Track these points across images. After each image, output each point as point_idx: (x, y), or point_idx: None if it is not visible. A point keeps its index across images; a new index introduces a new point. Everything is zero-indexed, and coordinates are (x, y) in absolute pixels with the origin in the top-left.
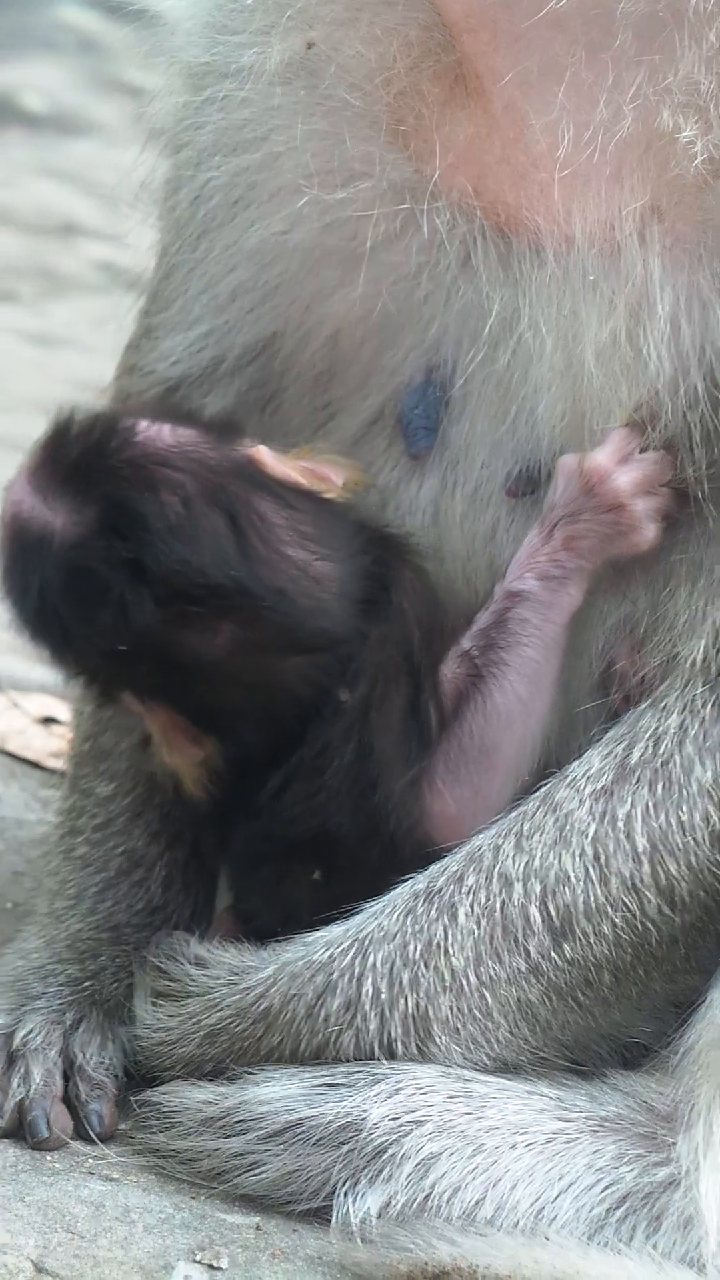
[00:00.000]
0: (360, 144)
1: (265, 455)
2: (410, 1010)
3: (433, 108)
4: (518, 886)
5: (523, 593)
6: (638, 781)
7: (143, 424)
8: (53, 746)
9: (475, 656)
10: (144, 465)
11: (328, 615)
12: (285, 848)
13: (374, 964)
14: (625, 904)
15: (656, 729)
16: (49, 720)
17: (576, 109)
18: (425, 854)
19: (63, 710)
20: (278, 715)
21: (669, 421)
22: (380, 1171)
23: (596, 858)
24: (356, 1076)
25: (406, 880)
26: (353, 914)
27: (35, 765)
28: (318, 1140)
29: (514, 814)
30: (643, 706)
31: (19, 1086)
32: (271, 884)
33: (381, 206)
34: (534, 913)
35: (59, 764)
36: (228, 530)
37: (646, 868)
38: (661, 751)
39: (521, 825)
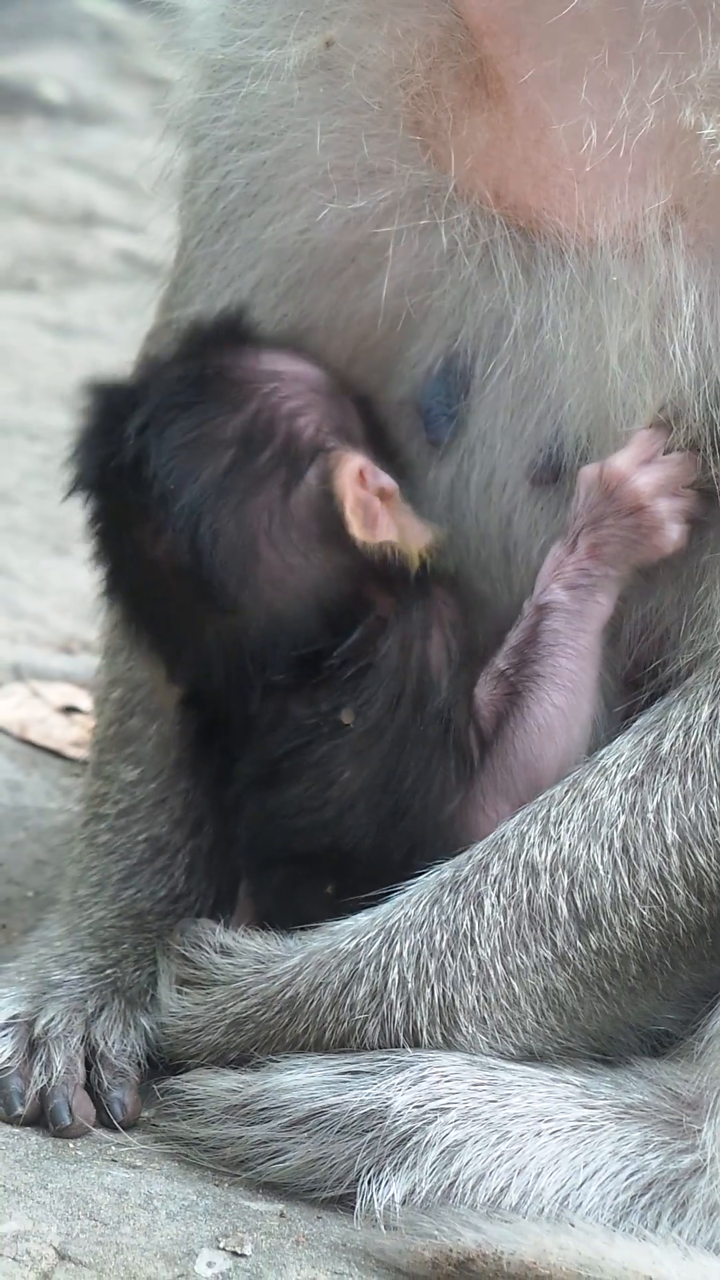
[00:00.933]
0: (379, 144)
1: (346, 471)
2: (436, 999)
3: (452, 110)
4: (545, 877)
5: (551, 604)
6: (668, 772)
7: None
8: (74, 735)
9: (510, 674)
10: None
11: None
12: (296, 857)
13: (400, 953)
14: (653, 895)
15: (687, 719)
16: (70, 709)
17: (599, 108)
18: None
19: (84, 699)
20: (237, 694)
21: (693, 422)
22: (405, 1159)
23: (625, 849)
24: (380, 1064)
25: (432, 870)
26: (379, 903)
27: (56, 754)
28: (342, 1128)
29: (541, 799)
30: (673, 697)
31: (41, 1074)
32: (284, 890)
33: (401, 207)
34: (561, 904)
35: (80, 753)
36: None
37: (675, 860)
38: (692, 742)
39: (549, 810)
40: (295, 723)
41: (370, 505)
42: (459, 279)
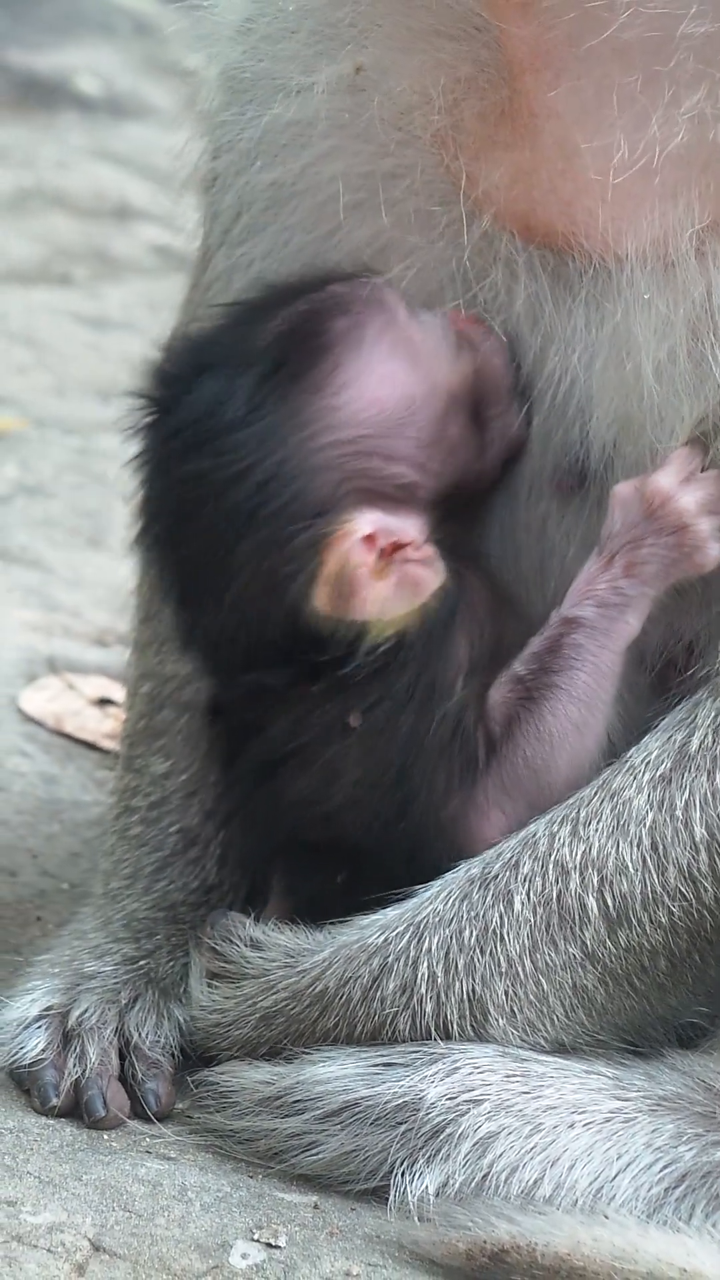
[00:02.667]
0: (406, 172)
1: (340, 544)
2: (466, 994)
3: (477, 147)
4: (574, 875)
5: (579, 619)
6: (697, 769)
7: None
8: (108, 728)
9: (528, 680)
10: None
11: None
12: (303, 847)
13: (430, 948)
14: (682, 893)
15: (716, 718)
16: (105, 701)
17: (629, 127)
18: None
19: (119, 692)
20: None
21: None
22: (438, 1151)
23: (654, 847)
24: (414, 1056)
25: (461, 866)
26: (407, 898)
27: (91, 746)
28: (375, 1120)
29: (570, 800)
30: (702, 695)
31: (75, 1065)
32: (300, 875)
33: (425, 234)
34: (591, 902)
35: (115, 745)
36: None
37: (704, 857)
38: None
39: (578, 812)
40: (301, 721)
41: (353, 578)
42: (486, 297)
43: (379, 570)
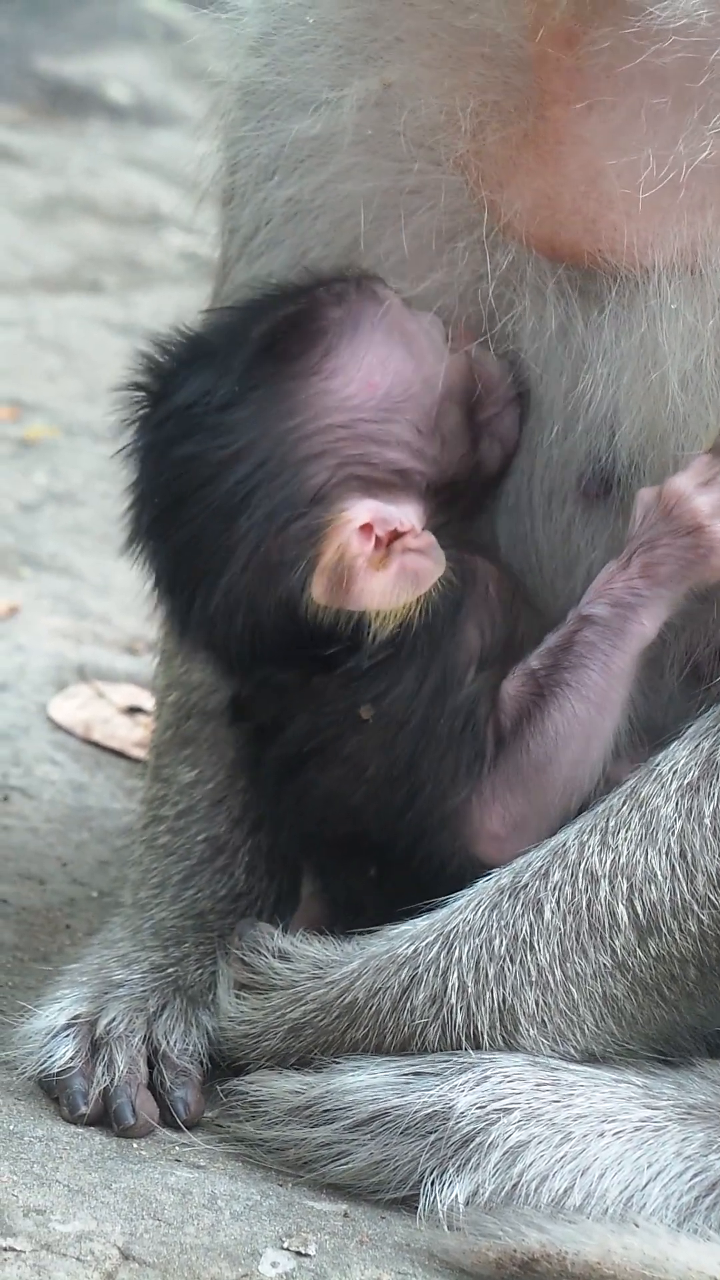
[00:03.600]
0: (428, 191)
1: (337, 534)
2: (496, 1004)
3: (499, 171)
4: (604, 884)
5: (592, 617)
6: None
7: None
8: (138, 736)
9: (540, 675)
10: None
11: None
12: (333, 842)
13: (459, 958)
14: (712, 901)
15: None
16: (134, 710)
17: (656, 144)
18: (475, 872)
19: (148, 700)
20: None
21: None
22: (468, 1160)
23: (683, 854)
24: (443, 1065)
25: (490, 875)
26: (436, 908)
27: (121, 755)
28: (405, 1129)
29: (600, 808)
30: None
31: (103, 1074)
32: (333, 870)
33: (451, 253)
34: (620, 910)
35: (144, 753)
36: None
37: None
38: None
39: (607, 821)
40: (317, 717)
41: (351, 568)
42: (511, 311)
43: (378, 561)
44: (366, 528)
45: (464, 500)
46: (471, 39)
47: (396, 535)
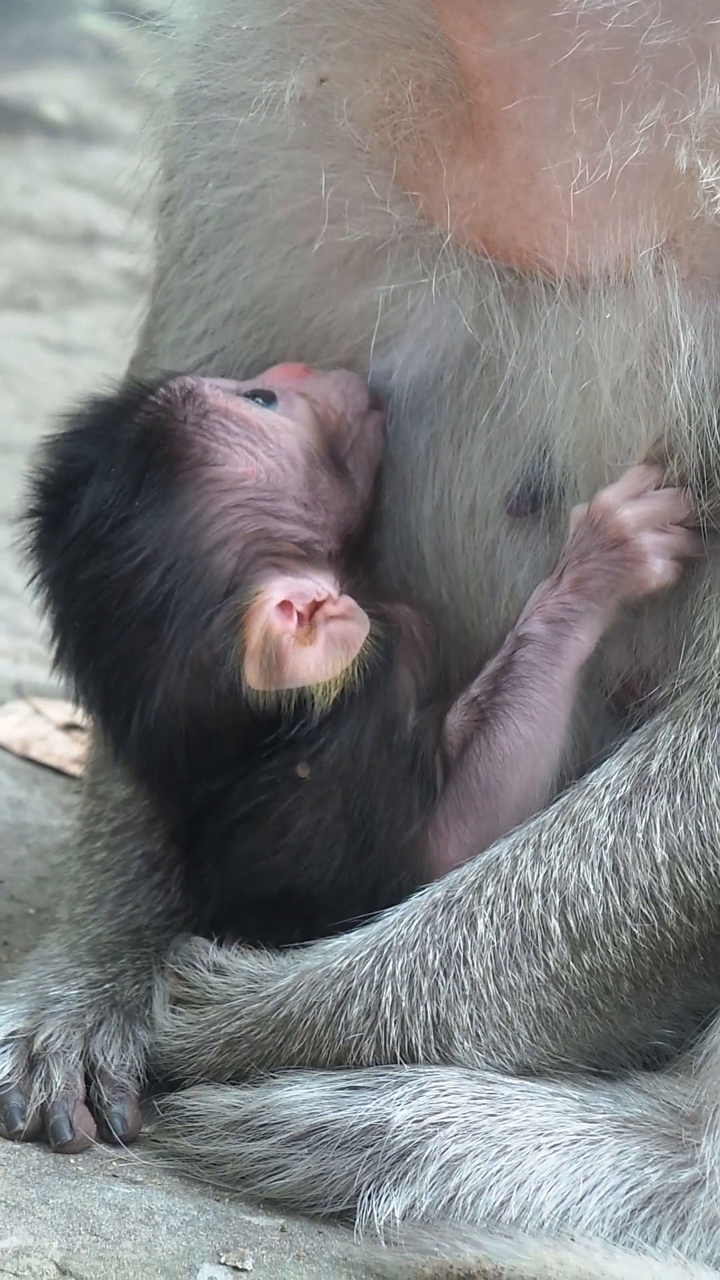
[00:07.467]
0: (366, 185)
1: (259, 614)
2: (430, 1018)
3: (439, 159)
4: (537, 898)
5: (528, 636)
6: (657, 792)
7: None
8: (75, 753)
9: (481, 701)
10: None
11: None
12: (258, 902)
13: (393, 972)
14: (644, 914)
15: (676, 740)
16: (71, 727)
17: (589, 145)
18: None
19: (84, 717)
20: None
21: (686, 457)
22: (405, 1174)
23: (615, 869)
24: (380, 1079)
25: (423, 889)
26: (371, 922)
27: (58, 771)
28: (342, 1143)
29: (532, 824)
30: (662, 718)
31: (40, 1090)
32: (257, 931)
33: (390, 249)
34: (553, 924)
35: (81, 770)
36: None
37: (665, 878)
38: (681, 762)
39: (540, 835)
40: (252, 783)
41: (279, 648)
42: (445, 315)
43: (304, 635)
44: (285, 605)
45: (365, 547)
46: (391, 26)
47: (316, 606)
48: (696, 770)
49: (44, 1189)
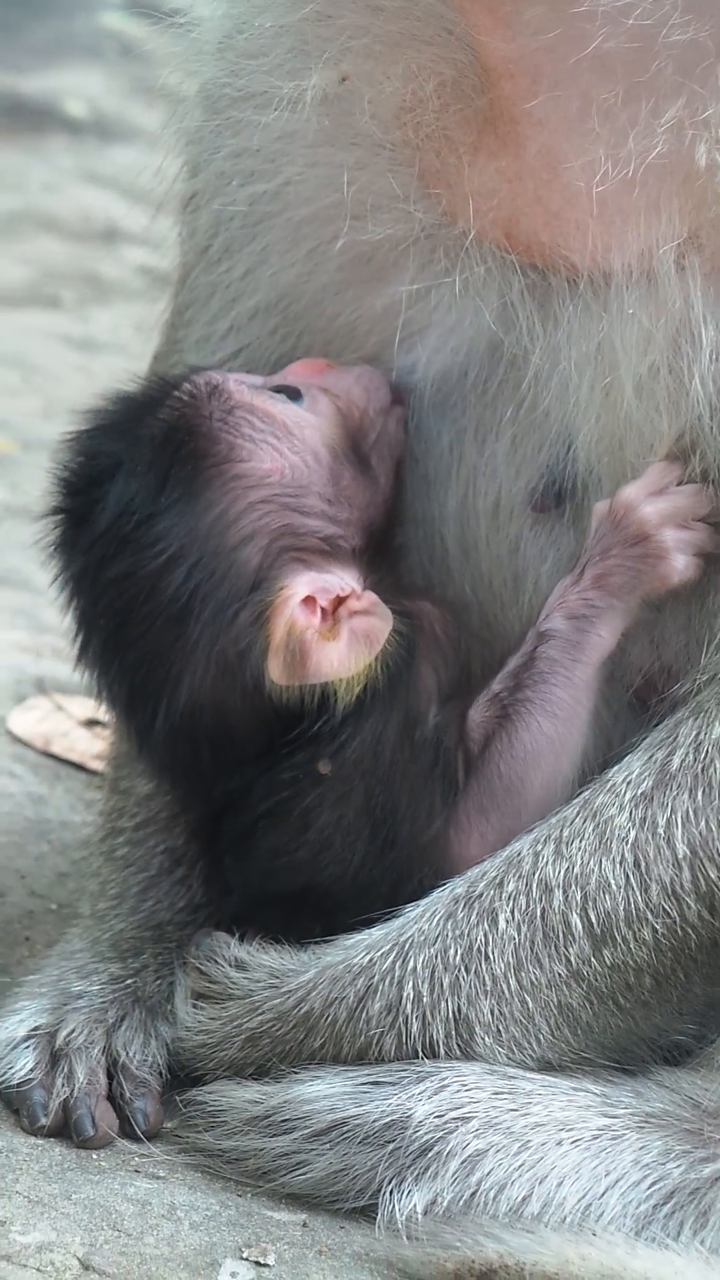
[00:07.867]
0: (388, 183)
1: (283, 610)
2: (451, 1013)
3: (461, 155)
4: (558, 893)
5: (550, 632)
6: (678, 787)
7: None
8: (97, 749)
9: (503, 697)
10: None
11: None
12: (279, 898)
13: (415, 968)
14: (665, 910)
15: (698, 736)
16: (93, 723)
17: (612, 143)
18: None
19: (106, 713)
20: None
21: (709, 453)
22: (426, 1169)
23: (637, 864)
24: (401, 1074)
25: (445, 885)
26: (392, 917)
27: (80, 767)
28: (363, 1139)
29: (554, 819)
30: (683, 714)
31: (63, 1085)
32: (278, 927)
33: (412, 248)
34: (575, 919)
35: (103, 766)
36: None
37: (687, 873)
38: (703, 758)
39: (561, 831)
40: (274, 779)
41: (303, 643)
42: (469, 311)
43: (328, 630)
44: (309, 600)
45: (388, 542)
46: (413, 22)
47: (340, 601)
48: (718, 765)
49: (66, 1184)
